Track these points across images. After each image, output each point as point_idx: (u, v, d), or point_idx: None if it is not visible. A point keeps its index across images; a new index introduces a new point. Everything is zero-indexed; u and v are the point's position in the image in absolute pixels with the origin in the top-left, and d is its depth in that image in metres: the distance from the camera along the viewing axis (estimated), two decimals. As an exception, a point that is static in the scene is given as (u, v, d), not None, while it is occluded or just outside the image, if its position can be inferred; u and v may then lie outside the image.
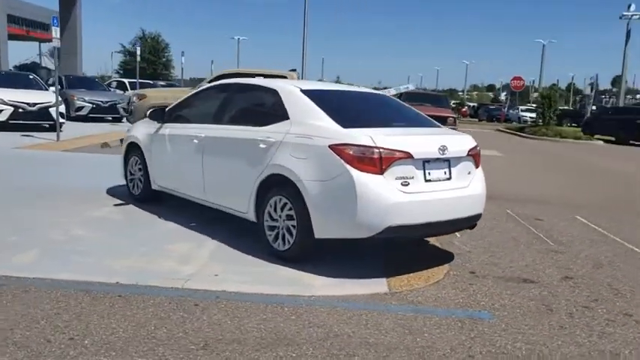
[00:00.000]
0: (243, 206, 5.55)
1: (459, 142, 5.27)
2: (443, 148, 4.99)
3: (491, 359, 3.53)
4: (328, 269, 4.92)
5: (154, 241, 5.62)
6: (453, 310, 4.32)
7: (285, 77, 13.08)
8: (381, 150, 4.64)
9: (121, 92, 23.51)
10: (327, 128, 4.97)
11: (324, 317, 3.98)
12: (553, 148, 22.77)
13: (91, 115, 19.17)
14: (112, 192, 7.74)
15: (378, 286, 4.71)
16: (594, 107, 37.94)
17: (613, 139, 27.89)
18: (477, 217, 5.38)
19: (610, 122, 28.66)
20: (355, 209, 4.59)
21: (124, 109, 20.20)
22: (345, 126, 4.93)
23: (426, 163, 4.89)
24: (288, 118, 5.27)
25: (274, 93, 5.58)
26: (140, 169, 7.15)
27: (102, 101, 19.48)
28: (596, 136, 28.64)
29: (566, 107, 60.20)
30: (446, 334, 3.84)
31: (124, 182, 7.66)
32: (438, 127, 5.79)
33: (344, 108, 5.52)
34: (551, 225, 7.50)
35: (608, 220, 8.05)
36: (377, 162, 4.63)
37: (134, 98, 13.51)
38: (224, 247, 5.47)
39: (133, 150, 7.30)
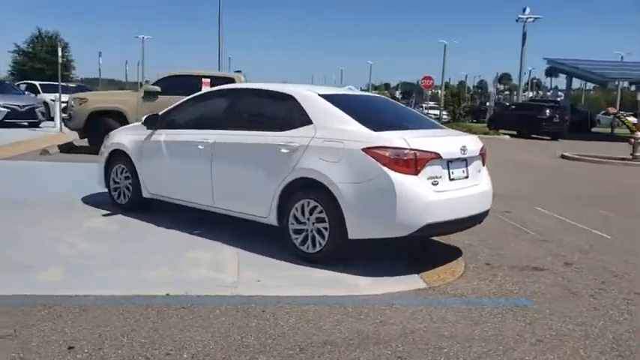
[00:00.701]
0: (263, 211, 5.56)
1: (472, 142, 5.60)
2: (464, 149, 5.29)
3: (558, 342, 3.84)
4: (358, 269, 5.05)
5: (169, 250, 5.50)
6: (496, 299, 4.62)
7: (233, 78, 13.06)
8: (415, 152, 4.86)
9: (33, 96, 22.12)
10: (357, 132, 5.11)
11: (390, 315, 4.14)
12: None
13: (6, 121, 17.94)
14: (88, 201, 7.42)
15: (414, 282, 4.92)
16: (494, 104, 40.41)
17: (515, 133, 29.93)
18: (487, 212, 5.73)
19: (512, 118, 30.76)
20: (394, 209, 4.78)
21: (42, 112, 19.14)
22: (374, 129, 5.10)
23: (450, 163, 5.17)
24: (311, 122, 5.35)
25: (290, 98, 5.64)
26: (127, 178, 6.91)
27: (18, 105, 18.29)
28: (501, 131, 30.57)
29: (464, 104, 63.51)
30: (506, 322, 4.12)
31: (91, 191, 7.50)
32: (444, 128, 6.10)
33: (363, 112, 5.67)
34: (521, 216, 8.07)
35: (561, 209, 8.75)
36: (412, 163, 4.84)
37: (73, 102, 12.84)
38: (245, 253, 5.45)
39: (117, 158, 7.04)
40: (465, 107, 32.04)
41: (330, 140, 5.13)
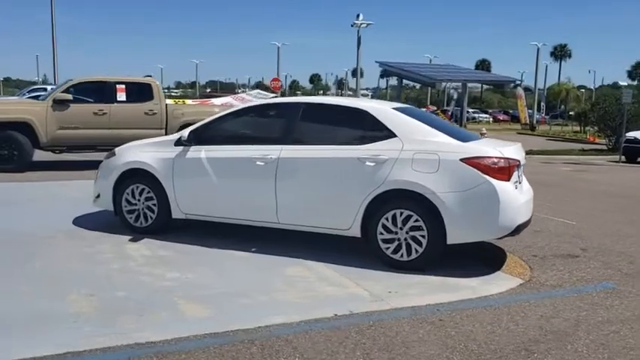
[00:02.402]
0: (344, 223, 5.67)
1: (523, 150, 6.23)
2: (524, 157, 5.94)
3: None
4: (451, 272, 5.44)
5: (259, 271, 5.41)
6: (586, 285, 5.32)
7: (149, 84, 12.43)
8: (508, 160, 5.39)
9: None
10: (447, 143, 5.50)
11: (544, 311, 4.58)
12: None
13: None
14: (87, 227, 6.76)
15: (509, 279, 5.43)
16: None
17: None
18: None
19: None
20: (497, 213, 5.26)
21: None
22: (463, 140, 5.52)
23: (518, 169, 5.78)
24: (394, 136, 5.59)
25: (364, 113, 5.81)
26: (151, 198, 6.44)
27: None
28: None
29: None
30: (615, 304, 4.80)
31: (73, 214, 7.16)
32: (480, 136, 6.71)
33: (432, 122, 6.03)
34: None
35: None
36: (506, 171, 5.36)
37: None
38: (334, 266, 5.52)
39: (133, 178, 6.51)
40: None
41: (423, 152, 5.42)
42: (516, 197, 5.42)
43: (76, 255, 5.72)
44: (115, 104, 11.95)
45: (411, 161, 5.41)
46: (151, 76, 15.13)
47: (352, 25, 37.60)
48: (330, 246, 6.04)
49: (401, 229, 5.46)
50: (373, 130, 5.71)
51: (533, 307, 4.68)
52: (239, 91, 42.37)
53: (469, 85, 39.31)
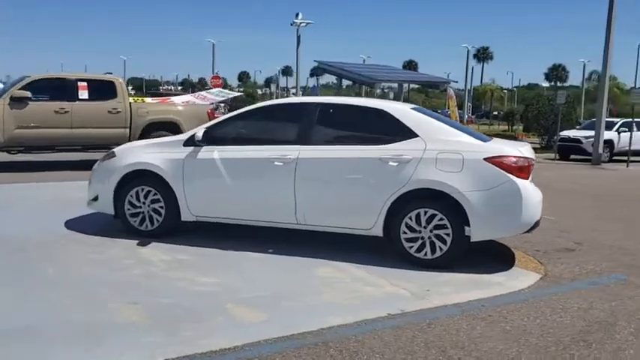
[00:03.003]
0: (366, 223, 5.71)
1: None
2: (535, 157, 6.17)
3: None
4: (473, 269, 5.59)
5: (287, 272, 5.35)
6: (600, 277, 5.61)
7: (112, 81, 11.98)
8: (528, 159, 5.60)
9: None
10: (469, 143, 5.65)
11: (578, 303, 4.79)
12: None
13: None
14: (88, 230, 6.47)
15: (528, 274, 5.61)
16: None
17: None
18: None
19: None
20: (521, 210, 5.46)
21: None
22: (483, 140, 5.68)
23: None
24: (416, 135, 5.67)
25: (384, 113, 5.86)
26: (158, 201, 6.23)
27: None
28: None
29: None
30: (636, 294, 5.09)
31: (61, 217, 6.89)
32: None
33: (449, 123, 6.15)
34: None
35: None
36: (527, 169, 5.57)
37: None
38: (366, 267, 5.52)
39: (138, 179, 6.28)
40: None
41: (447, 152, 5.54)
42: (534, 195, 5.63)
43: (89, 261, 5.45)
44: (78, 102, 11.41)
45: (435, 161, 5.51)
46: (111, 73, 14.49)
47: (292, 24, 37.60)
48: (347, 245, 6.07)
49: (425, 227, 5.55)
50: (394, 130, 5.76)
51: (565, 300, 4.88)
52: (168, 88, 40.98)
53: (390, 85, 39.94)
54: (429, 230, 5.54)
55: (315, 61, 38.07)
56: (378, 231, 5.71)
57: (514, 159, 5.50)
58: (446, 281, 5.25)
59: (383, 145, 5.70)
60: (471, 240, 5.53)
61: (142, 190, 6.27)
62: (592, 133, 21.37)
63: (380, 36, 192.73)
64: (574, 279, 5.54)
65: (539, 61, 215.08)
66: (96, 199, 6.54)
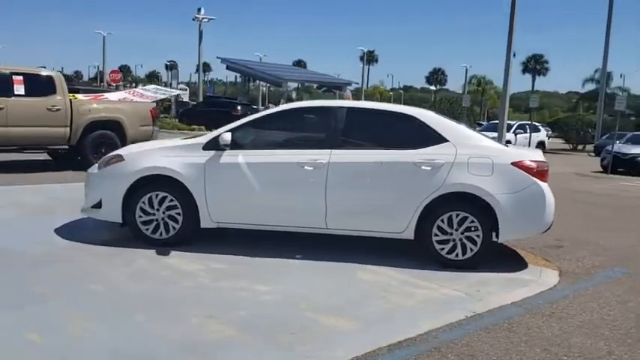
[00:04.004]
0: (398, 226, 5.80)
1: None
2: None
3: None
4: (497, 267, 5.86)
5: (337, 278, 5.32)
6: (606, 271, 6.11)
7: (50, 76, 11.09)
8: (546, 164, 5.97)
9: None
10: (495, 147, 5.96)
11: (615, 295, 5.26)
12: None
13: None
14: (90, 240, 6.00)
15: (549, 272, 5.93)
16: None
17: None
18: None
19: (206, 113, 31.99)
20: (545, 211, 5.81)
21: None
22: (505, 145, 5.98)
23: None
24: (446, 140, 5.85)
25: (412, 117, 5.99)
26: (174, 207, 5.90)
27: None
28: (194, 126, 31.57)
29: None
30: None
31: (47, 226, 6.40)
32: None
33: (467, 127, 6.39)
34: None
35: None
36: (546, 173, 5.94)
37: None
38: (402, 270, 5.58)
39: (151, 185, 5.92)
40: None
41: (478, 157, 5.77)
42: (552, 197, 6.01)
43: (125, 274, 5.05)
44: (13, 98, 10.40)
45: (467, 165, 5.71)
46: (44, 67, 13.27)
47: (194, 19, 36.67)
48: (366, 248, 6.15)
49: (456, 229, 5.74)
50: (424, 135, 5.89)
51: (599, 293, 5.29)
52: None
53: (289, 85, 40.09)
54: (460, 232, 5.74)
55: (217, 57, 37.22)
56: (409, 234, 5.81)
57: (537, 164, 5.84)
58: (486, 281, 5.45)
59: (414, 150, 5.81)
60: (499, 241, 5.81)
61: (157, 196, 5.91)
62: (495, 134, 22.89)
63: (270, 34, 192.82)
64: (588, 274, 6.00)
65: (420, 65, 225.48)
66: (98, 205, 6.06)
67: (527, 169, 5.77)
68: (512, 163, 5.76)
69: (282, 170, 5.83)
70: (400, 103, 74.72)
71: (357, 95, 56.18)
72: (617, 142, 21.44)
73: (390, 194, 5.77)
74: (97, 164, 6.39)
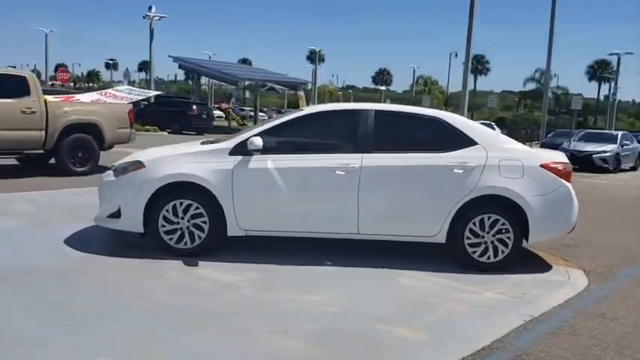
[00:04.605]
0: (431, 230, 5.76)
1: None
2: None
3: None
4: (527, 269, 5.90)
5: (379, 284, 5.23)
6: (625, 271, 6.26)
7: (24, 77, 10.50)
8: (569, 165, 6.07)
9: None
10: (525, 150, 6.04)
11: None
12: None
13: None
14: (105, 251, 5.69)
15: (573, 271, 6.00)
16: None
17: (159, 128, 30.32)
18: None
19: (161, 114, 31.07)
20: (572, 212, 5.90)
21: None
22: (530, 147, 6.04)
23: None
24: (475, 143, 5.84)
25: (440, 121, 5.96)
26: (200, 215, 5.66)
27: None
28: (147, 127, 30.64)
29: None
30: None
31: (53, 236, 6.06)
32: None
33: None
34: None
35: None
36: (570, 175, 6.03)
37: None
38: (438, 274, 5.55)
39: (174, 192, 5.65)
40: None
41: (508, 159, 5.79)
42: (576, 198, 6.11)
43: (162, 288, 4.80)
44: (-15, 100, 9.78)
45: (498, 168, 5.73)
46: (14, 67, 12.48)
47: (144, 17, 35.64)
48: (394, 252, 6.10)
49: (488, 232, 5.74)
50: (453, 138, 5.86)
51: (631, 291, 5.41)
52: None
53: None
54: (491, 235, 5.74)
55: (169, 56, 36.35)
56: (441, 238, 5.78)
57: (563, 165, 5.92)
58: (518, 283, 5.46)
59: (445, 153, 5.78)
60: (529, 242, 5.85)
61: (181, 203, 5.64)
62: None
63: (217, 31, 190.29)
64: (610, 272, 6.13)
65: (364, 66, 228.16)
66: (116, 215, 5.74)
67: (555, 171, 5.83)
68: (541, 165, 5.81)
69: (314, 175, 5.68)
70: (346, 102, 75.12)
71: (307, 95, 56.10)
72: (572, 140, 22.28)
73: (423, 198, 5.72)
74: (111, 171, 6.04)
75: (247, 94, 51.50)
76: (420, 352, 3.79)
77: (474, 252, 5.76)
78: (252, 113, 51.85)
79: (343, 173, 5.63)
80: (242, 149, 5.69)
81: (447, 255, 5.92)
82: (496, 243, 5.75)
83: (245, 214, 5.68)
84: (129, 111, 11.93)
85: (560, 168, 5.87)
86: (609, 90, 67.87)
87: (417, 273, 5.55)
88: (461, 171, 5.68)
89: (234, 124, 37.64)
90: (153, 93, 18.33)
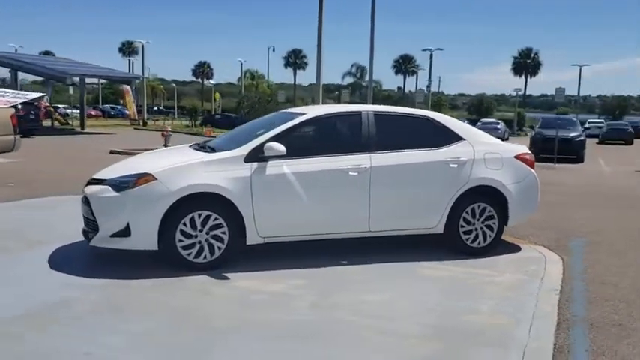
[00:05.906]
0: (432, 222, 6.22)
1: None
2: None
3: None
4: (499, 250, 6.60)
5: (406, 279, 5.54)
6: (579, 241, 7.31)
7: None
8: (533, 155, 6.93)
9: None
10: (498, 143, 6.72)
11: (613, 261, 6.37)
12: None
13: None
14: (119, 275, 5.25)
15: (544, 251, 6.92)
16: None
17: None
18: None
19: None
20: (537, 197, 6.75)
21: None
22: (504, 140, 6.77)
23: None
24: (462, 139, 6.40)
25: (430, 119, 6.45)
26: (219, 226, 5.46)
27: None
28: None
29: None
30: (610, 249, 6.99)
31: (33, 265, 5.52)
32: None
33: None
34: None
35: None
36: (534, 163, 6.87)
37: None
38: (448, 262, 6.01)
39: (190, 205, 5.38)
40: None
41: (491, 153, 6.43)
42: (539, 183, 6.97)
43: (219, 305, 4.61)
44: None
45: (484, 161, 6.34)
46: None
47: None
48: (397, 245, 6.44)
49: (478, 220, 6.35)
50: (443, 135, 6.35)
51: (600, 260, 6.37)
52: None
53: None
54: (480, 222, 6.35)
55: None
56: (440, 228, 6.25)
57: (530, 156, 6.74)
58: (510, 262, 6.15)
59: (439, 149, 6.24)
60: (508, 225, 6.58)
61: (199, 216, 5.38)
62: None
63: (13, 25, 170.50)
64: (565, 245, 7.07)
65: (184, 59, 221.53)
66: (123, 233, 5.29)
67: (525, 161, 6.62)
68: (515, 157, 6.56)
69: (329, 177, 5.78)
70: (174, 97, 72.48)
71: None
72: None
73: (427, 192, 6.14)
74: (108, 187, 5.48)
75: (71, 90, 47.41)
76: (517, 334, 4.15)
77: (468, 239, 6.32)
78: (69, 111, 48.07)
79: (355, 174, 5.81)
80: (256, 155, 5.58)
81: (437, 244, 6.38)
82: (484, 229, 6.37)
83: (265, 222, 5.58)
84: (12, 115, 10.61)
85: (528, 158, 6.67)
86: (416, 82, 74.78)
87: (429, 263, 5.93)
88: (456, 165, 6.19)
89: (56, 124, 34.64)
90: (36, 95, 16.30)
